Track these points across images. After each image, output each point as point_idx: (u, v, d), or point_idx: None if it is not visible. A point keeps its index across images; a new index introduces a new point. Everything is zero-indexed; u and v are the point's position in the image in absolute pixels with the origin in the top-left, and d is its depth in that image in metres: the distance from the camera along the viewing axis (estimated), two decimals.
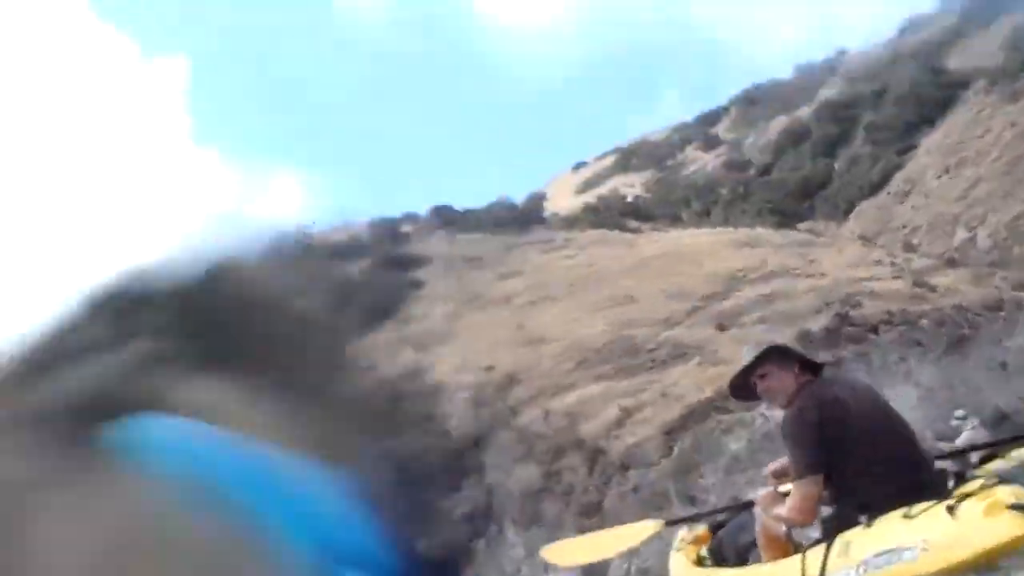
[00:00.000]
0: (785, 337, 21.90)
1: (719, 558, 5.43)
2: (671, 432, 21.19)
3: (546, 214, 58.36)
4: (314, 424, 28.85)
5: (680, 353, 25.34)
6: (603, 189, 75.92)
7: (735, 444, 20.34)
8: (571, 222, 52.71)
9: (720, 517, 6.03)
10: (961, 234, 34.80)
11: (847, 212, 44.59)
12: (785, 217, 44.93)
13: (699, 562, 5.53)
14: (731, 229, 40.46)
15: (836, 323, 22.76)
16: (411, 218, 57.55)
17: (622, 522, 17.84)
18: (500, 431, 25.81)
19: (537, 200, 66.88)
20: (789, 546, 4.63)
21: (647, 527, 5.84)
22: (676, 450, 20.85)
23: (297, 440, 27.76)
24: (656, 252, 37.48)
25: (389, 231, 52.99)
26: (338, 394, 31.56)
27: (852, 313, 23.26)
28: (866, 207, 43.64)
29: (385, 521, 24.76)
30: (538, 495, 22.93)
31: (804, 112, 62.54)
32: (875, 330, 22.46)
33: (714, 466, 20.33)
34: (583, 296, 33.43)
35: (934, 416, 20.77)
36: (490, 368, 29.19)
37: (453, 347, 33.50)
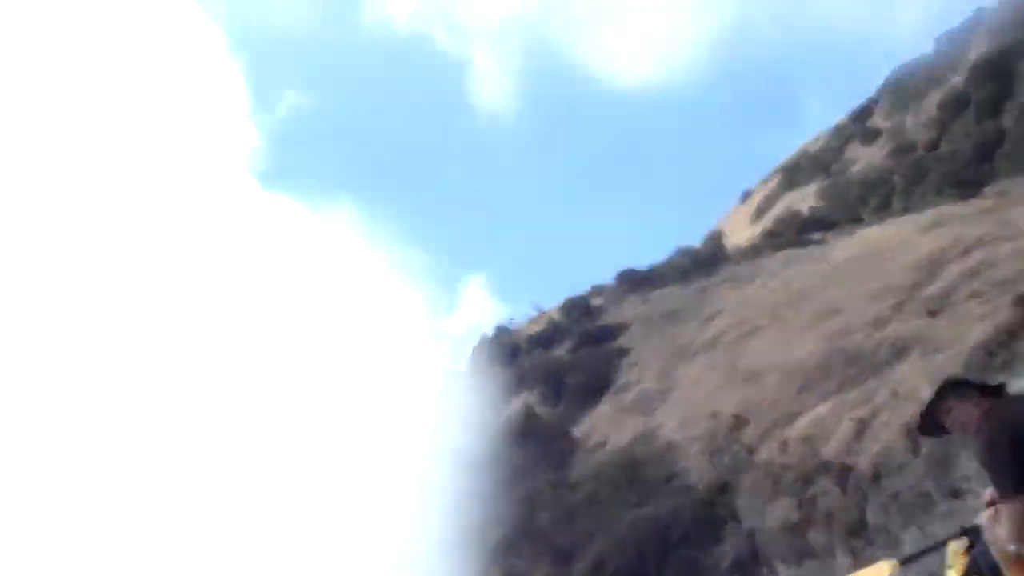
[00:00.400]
0: (1002, 306, 21.51)
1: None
2: (913, 430, 20.94)
3: (729, 250, 58.28)
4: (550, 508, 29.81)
5: (900, 349, 25.03)
6: (777, 210, 75.06)
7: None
8: (756, 251, 52.48)
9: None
10: None
11: None
12: (968, 187, 43.50)
13: None
14: (915, 215, 39.49)
15: None
16: (600, 290, 58.49)
17: (892, 535, 17.83)
18: (743, 473, 26.00)
19: (716, 239, 66.85)
20: None
21: (882, 569, 5.77)
22: (925, 448, 20.59)
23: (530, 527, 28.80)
24: (848, 256, 37.01)
25: (583, 308, 54.07)
26: (572, 476, 32.48)
27: None
28: None
29: None
30: (799, 527, 22.97)
31: (957, 79, 60.52)
32: None
33: (968, 452, 19.97)
34: (788, 319, 33.34)
35: None
36: (715, 414, 29.47)
37: (674, 403, 33.94)
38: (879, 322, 27.22)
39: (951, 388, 4.81)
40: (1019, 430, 4.30)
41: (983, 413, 4.60)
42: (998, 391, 4.70)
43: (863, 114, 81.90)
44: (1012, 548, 4.51)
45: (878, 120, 77.46)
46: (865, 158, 73.22)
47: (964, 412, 4.70)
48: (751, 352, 32.76)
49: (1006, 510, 4.35)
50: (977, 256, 27.47)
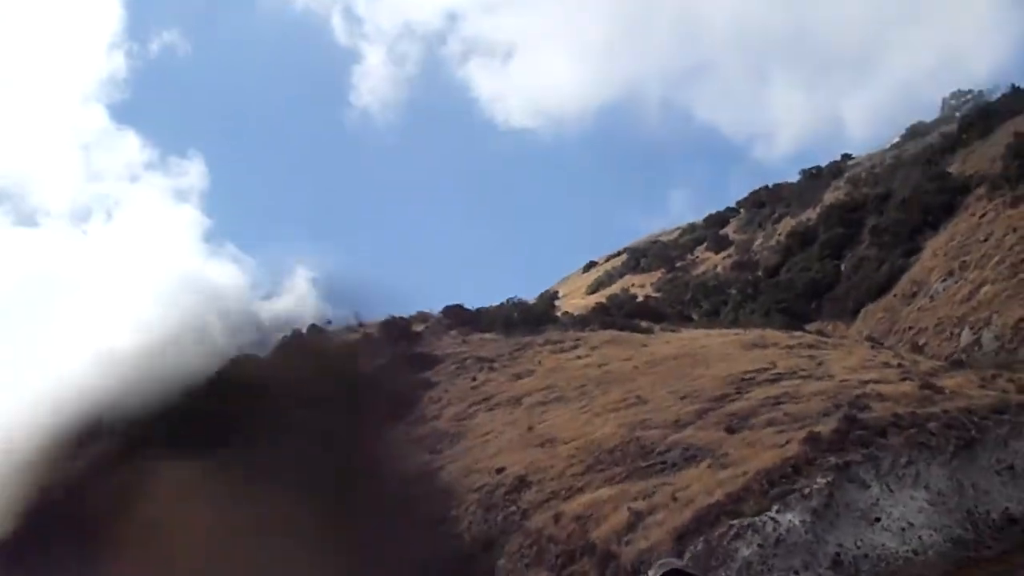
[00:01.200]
0: (794, 440, 22.09)
1: None
2: (683, 536, 21.16)
3: (558, 313, 58.82)
4: (325, 522, 28.88)
5: (691, 455, 25.41)
6: (614, 288, 76.64)
7: (747, 549, 20.34)
8: (583, 322, 53.09)
9: None
10: (967, 336, 35.10)
11: (855, 313, 45.03)
12: (793, 317, 45.35)
13: None
14: (740, 330, 40.76)
15: (845, 426, 22.87)
16: (424, 317, 57.96)
17: None
18: (511, 534, 25.78)
19: (549, 299, 67.50)
20: None
21: None
22: (688, 555, 20.80)
23: (307, 533, 27.83)
24: (667, 353, 37.75)
25: (402, 330, 53.35)
26: (351, 494, 31.60)
27: (861, 416, 23.39)
28: (873, 309, 44.08)
29: None
30: None
31: (811, 215, 63.43)
32: (884, 433, 22.56)
33: (727, 571, 20.31)
34: (594, 397, 33.61)
35: (945, 521, 20.86)
36: (501, 470, 29.24)
37: (464, 448, 33.60)
38: (678, 424, 27.64)
39: (672, 570, 5.10)
40: None
41: None
42: None
43: (720, 222, 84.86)
44: None
45: (731, 231, 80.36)
46: (710, 263, 75.69)
47: None
48: (551, 419, 32.82)
49: None
50: (785, 386, 28.33)
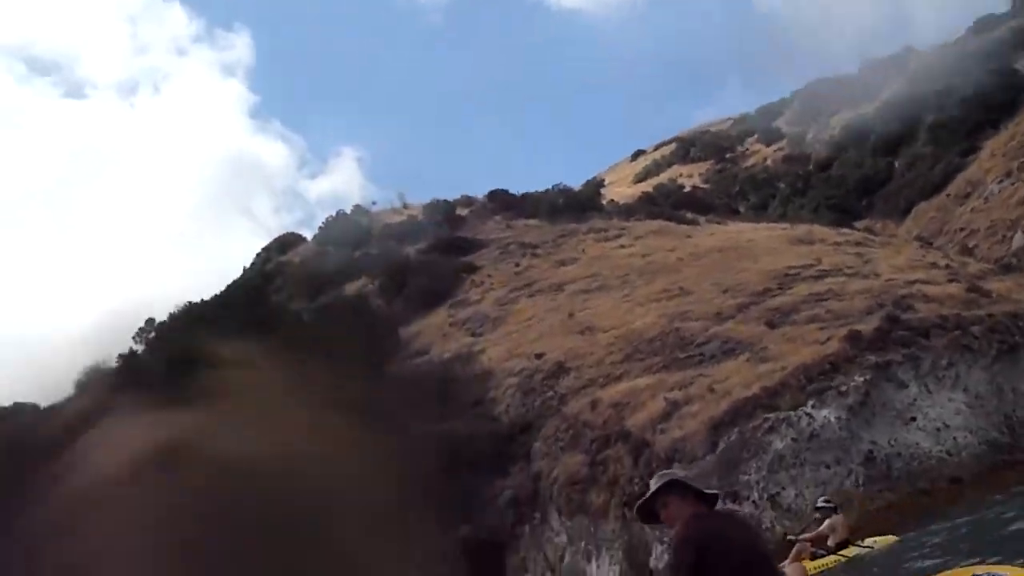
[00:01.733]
0: (835, 338, 22.00)
1: None
2: (717, 427, 21.32)
3: (604, 202, 58.50)
4: (364, 403, 29.53)
5: (730, 348, 25.43)
6: (662, 178, 75.91)
7: (780, 443, 20.47)
8: (628, 211, 52.81)
9: None
10: (1019, 239, 34.42)
11: (905, 212, 44.24)
12: (842, 214, 44.66)
13: None
14: (787, 225, 40.29)
15: (887, 325, 22.67)
16: (469, 202, 57.96)
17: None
18: (548, 419, 26.17)
19: (595, 187, 67.07)
20: None
21: None
22: (721, 446, 21.01)
23: (348, 414, 28.51)
24: (712, 245, 37.50)
25: (446, 214, 53.48)
26: (390, 374, 32.19)
27: (904, 316, 23.16)
28: (924, 208, 43.26)
29: (432, 504, 25.38)
30: (583, 484, 23.27)
31: (867, 109, 61.75)
32: (926, 334, 22.35)
33: (758, 463, 20.49)
34: (636, 286, 33.63)
35: (982, 424, 20.80)
36: (541, 356, 29.54)
37: (505, 333, 33.92)
38: (719, 317, 27.62)
39: (673, 485, 5.47)
40: (710, 541, 5.03)
41: (690, 516, 5.31)
42: (711, 500, 5.48)
43: (773, 113, 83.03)
44: None
45: (784, 123, 78.69)
46: (760, 155, 74.47)
47: (678, 509, 5.38)
48: (592, 307, 32.95)
49: None
50: (829, 283, 28.09)
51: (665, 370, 25.68)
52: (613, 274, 36.21)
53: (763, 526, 19.74)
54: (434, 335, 37.04)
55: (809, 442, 20.35)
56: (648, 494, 5.56)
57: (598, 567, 22.59)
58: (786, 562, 14.34)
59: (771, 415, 20.91)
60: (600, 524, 22.82)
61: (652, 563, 21.23)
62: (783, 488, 20.07)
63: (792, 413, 20.78)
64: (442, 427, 27.01)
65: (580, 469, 23.76)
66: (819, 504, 16.93)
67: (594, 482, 23.29)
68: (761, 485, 20.27)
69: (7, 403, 57.50)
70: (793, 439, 20.43)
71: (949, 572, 6.27)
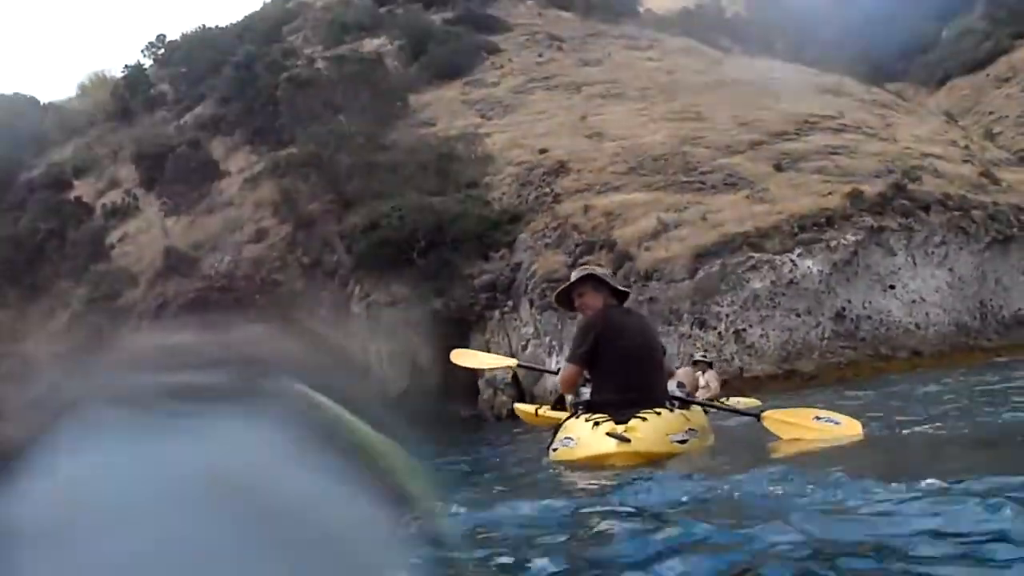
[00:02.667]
0: (838, 193, 21.94)
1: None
2: (701, 256, 21.56)
3: (641, 9, 56.74)
4: (364, 169, 29.54)
5: (732, 182, 25.36)
6: None
7: (758, 283, 20.80)
8: (663, 24, 51.33)
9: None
10: None
11: (941, 83, 43.34)
12: (878, 72, 43.57)
13: None
14: (818, 72, 39.37)
15: (891, 191, 22.62)
16: None
17: None
18: (539, 214, 26.28)
19: None
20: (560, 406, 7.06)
21: (509, 361, 9.79)
22: (700, 273, 21.31)
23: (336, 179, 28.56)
24: (739, 77, 36.68)
25: None
26: (393, 141, 32.01)
27: (910, 186, 23.08)
28: (960, 83, 42.37)
29: (411, 275, 25.79)
30: (558, 282, 23.61)
31: None
32: (927, 208, 22.37)
33: (733, 297, 20.89)
34: (655, 102, 33.11)
35: (957, 306, 21.11)
36: (544, 151, 29.35)
37: (514, 122, 33.57)
38: (729, 150, 27.37)
39: (593, 279, 6.33)
40: (608, 328, 6.09)
41: (604, 307, 6.24)
42: (622, 297, 6.47)
43: None
44: (569, 397, 6.57)
45: None
46: None
47: (592, 300, 6.27)
48: (606, 113, 32.53)
49: (565, 367, 6.42)
50: (846, 138, 27.77)
51: (664, 190, 25.65)
52: (634, 85, 35.53)
53: (723, 358, 20.30)
54: (443, 109, 36.61)
55: (787, 288, 20.68)
56: (568, 283, 6.43)
57: (556, 363, 23.26)
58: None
59: (756, 254, 21.14)
60: (567, 323, 23.31)
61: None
62: (751, 326, 20.54)
63: (777, 257, 21.01)
64: (433, 200, 27.08)
65: (560, 268, 24.03)
66: (696, 358, 16.60)
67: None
68: (730, 319, 20.72)
69: (7, 92, 57.18)
70: (772, 282, 20.75)
71: (793, 409, 6.88)
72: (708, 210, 23.40)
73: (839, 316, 20.49)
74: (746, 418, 7.15)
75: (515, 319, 24.99)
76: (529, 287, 24.24)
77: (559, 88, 36.75)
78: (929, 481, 3.21)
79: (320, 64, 40.20)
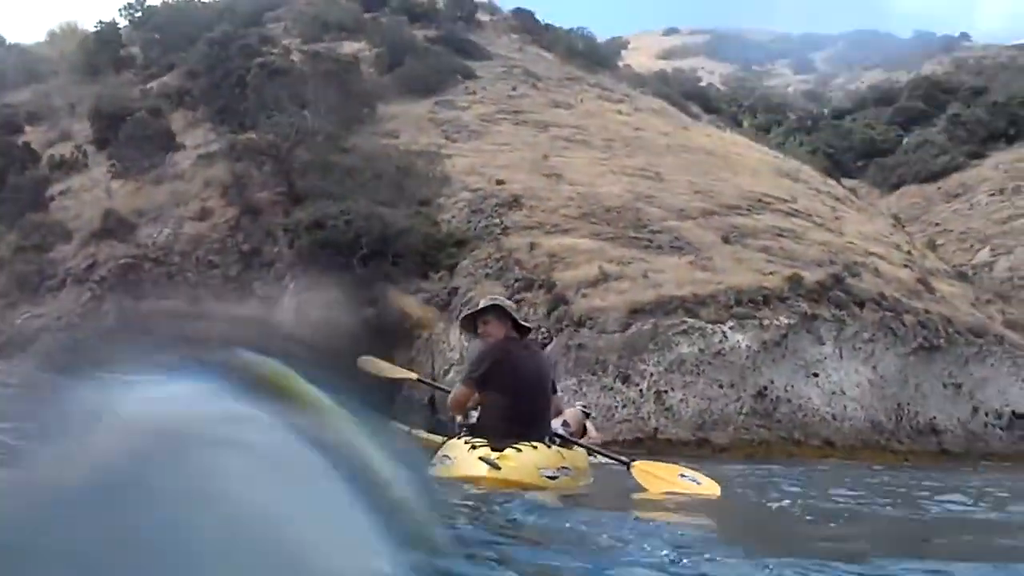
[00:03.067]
0: (778, 275, 22.25)
1: None
2: (635, 311, 21.68)
3: (620, 63, 57.47)
4: (320, 167, 29.32)
5: (679, 246, 25.60)
6: (683, 64, 74.58)
7: (687, 348, 20.96)
8: (638, 81, 52.02)
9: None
10: (984, 255, 34.88)
11: (894, 187, 44.40)
12: (836, 166, 44.57)
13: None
14: (780, 155, 40.13)
15: (830, 281, 22.99)
16: (492, 9, 56.37)
17: (554, 366, 18.66)
18: (485, 242, 26.27)
19: (617, 47, 65.66)
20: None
21: (410, 374, 9.97)
22: (632, 329, 21.42)
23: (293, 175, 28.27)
24: (702, 145, 37.28)
25: (466, 11, 52.01)
26: (354, 145, 31.85)
27: (849, 280, 23.49)
28: (912, 191, 43.43)
29: (347, 280, 25.56)
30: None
31: (902, 76, 61.04)
32: (862, 304, 22.76)
33: (659, 358, 21.01)
34: (617, 155, 33.41)
35: (875, 404, 21.46)
36: (501, 183, 29.41)
37: (476, 149, 33.64)
38: (681, 214, 27.66)
39: (498, 308, 6.73)
40: (503, 358, 6.47)
41: (505, 337, 6.62)
42: (524, 331, 6.88)
43: (816, 43, 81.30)
44: (458, 418, 6.89)
45: (821, 58, 77.30)
46: (784, 79, 73.38)
47: (495, 328, 6.63)
48: (569, 157, 32.70)
49: (457, 388, 6.83)
50: (795, 223, 28.16)
51: (611, 241, 25.81)
52: (600, 134, 35.86)
53: (640, 415, 20.39)
54: (409, 123, 36.55)
55: (714, 358, 20.86)
56: (474, 309, 6.90)
57: None
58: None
59: (689, 320, 21.32)
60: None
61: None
62: (672, 389, 20.67)
63: (709, 326, 21.21)
64: (383, 210, 26.95)
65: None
66: (578, 407, 16.98)
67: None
68: (654, 378, 20.83)
69: None
70: (700, 349, 20.92)
71: (662, 464, 7.31)
72: (650, 268, 23.58)
73: (760, 394, 20.71)
74: (620, 466, 7.32)
75: (443, 342, 24.86)
76: (462, 313, 24.13)
77: (526, 124, 36.94)
78: (739, 548, 3.41)
79: (295, 56, 40.00)
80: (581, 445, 7.39)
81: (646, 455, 18.38)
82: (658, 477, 6.81)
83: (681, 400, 20.53)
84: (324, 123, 31.79)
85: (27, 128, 41.51)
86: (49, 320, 27.97)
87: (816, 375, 21.31)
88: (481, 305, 6.85)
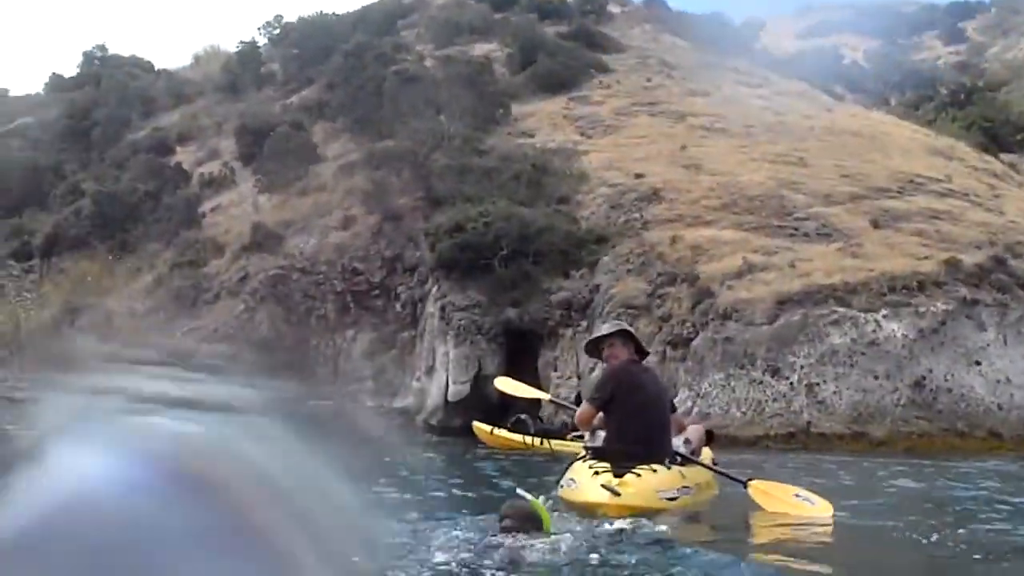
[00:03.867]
0: (934, 259, 21.27)
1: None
2: (783, 302, 21.08)
3: (757, 46, 56.13)
4: (457, 170, 29.61)
5: (826, 233, 24.80)
6: (825, 41, 72.24)
7: (839, 338, 20.24)
8: (777, 64, 50.67)
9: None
10: None
11: None
12: (993, 141, 42.34)
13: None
14: (932, 133, 38.40)
15: (990, 264, 21.80)
16: (623, 1, 55.83)
17: (701, 361, 18.47)
18: (625, 239, 26.03)
19: (754, 28, 64.16)
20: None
21: (543, 394, 10.99)
22: (781, 320, 20.84)
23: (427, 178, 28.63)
24: (848, 126, 36.00)
25: (597, 4, 51.67)
26: (490, 146, 32.05)
27: (1011, 261, 22.24)
28: None
29: (489, 281, 25.72)
30: (636, 311, 23.35)
31: None
32: None
33: (810, 350, 20.37)
34: (758, 142, 32.56)
35: None
36: (639, 176, 29.09)
37: (613, 143, 33.37)
38: (828, 199, 26.79)
39: (622, 334, 7.26)
40: (627, 381, 6.94)
41: (627, 360, 7.12)
42: (644, 354, 7.39)
43: (964, 12, 77.75)
44: (585, 437, 7.49)
45: (971, 27, 73.83)
46: (933, 52, 70.35)
47: (618, 352, 7.16)
48: (708, 147, 32.12)
49: (583, 405, 7.29)
50: (951, 203, 26.91)
51: (755, 231, 25.21)
52: (740, 122, 35.00)
53: (792, 409, 19.82)
54: (544, 121, 36.56)
55: (867, 347, 20.08)
56: (601, 334, 7.41)
57: None
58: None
59: (840, 309, 20.59)
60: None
61: (674, 404, 21.55)
62: (825, 381, 20.00)
63: (862, 315, 20.43)
64: (522, 210, 27.01)
65: (639, 296, 23.81)
66: (702, 427, 16.35)
67: (647, 312, 23.38)
68: (804, 370, 20.21)
69: (125, 54, 58.91)
70: (853, 339, 20.18)
71: (777, 484, 7.39)
72: (797, 257, 22.89)
73: (918, 385, 19.80)
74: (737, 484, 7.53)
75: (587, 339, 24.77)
76: (605, 310, 23.99)
77: (663, 115, 36.42)
78: None
79: (429, 62, 40.54)
80: (699, 463, 7.59)
81: (800, 450, 17.94)
82: (774, 497, 7.01)
83: (834, 392, 19.84)
84: (460, 126, 32.13)
85: (178, 149, 43.45)
86: (207, 333, 29.12)
87: (978, 363, 20.24)
88: (605, 331, 7.40)
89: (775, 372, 20.50)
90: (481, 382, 24.31)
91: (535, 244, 25.91)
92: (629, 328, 7.56)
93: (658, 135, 33.78)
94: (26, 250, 39.19)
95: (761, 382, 20.48)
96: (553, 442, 13.76)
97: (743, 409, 20.50)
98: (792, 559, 5.21)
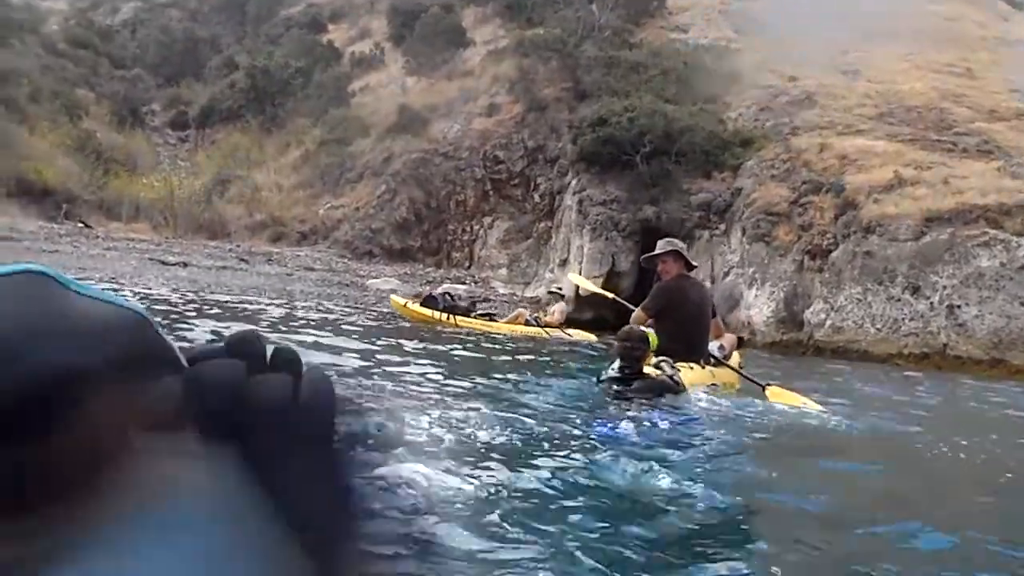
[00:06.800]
0: None
1: None
2: (931, 220, 20.31)
3: None
4: (605, 63, 29.16)
5: (987, 150, 23.62)
6: None
7: (987, 261, 19.44)
8: None
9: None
10: None
11: None
12: None
13: None
14: None
15: None
16: None
17: (839, 274, 18.11)
18: (772, 142, 25.40)
19: None
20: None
21: (608, 294, 11.69)
22: (927, 239, 20.13)
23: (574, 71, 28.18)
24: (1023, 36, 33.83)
25: None
26: (641, 40, 31.44)
27: None
28: None
29: (628, 176, 25.58)
30: (777, 217, 22.94)
31: None
32: None
33: (954, 270, 19.66)
34: (924, 48, 30.99)
35: None
36: (793, 79, 28.17)
37: (768, 43, 32.23)
38: (993, 115, 25.46)
39: (675, 253, 8.05)
40: (677, 293, 7.92)
41: (678, 275, 8.02)
42: (692, 268, 8.22)
43: None
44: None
45: None
46: None
47: (670, 267, 8.02)
48: (869, 51, 30.73)
49: (640, 308, 8.00)
50: None
51: (910, 144, 24.21)
52: (908, 26, 33.28)
53: (929, 330, 19.29)
54: (699, 17, 35.57)
55: (1017, 273, 19.24)
56: (657, 252, 8.11)
57: (755, 296, 22.75)
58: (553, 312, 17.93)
59: (992, 231, 19.71)
60: (775, 260, 22.72)
61: (807, 316, 21.25)
62: (967, 304, 19.33)
63: (1015, 238, 19.53)
64: (667, 107, 26.57)
65: (781, 202, 23.32)
66: (551, 290, 20.66)
67: (788, 219, 22.92)
68: (947, 291, 19.56)
69: None
70: (1002, 263, 19.35)
71: (791, 393, 8.02)
72: (952, 174, 21.91)
73: None
74: (757, 387, 8.25)
75: (723, 244, 24.51)
76: (745, 215, 23.64)
77: (826, 16, 34.86)
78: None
79: None
80: (728, 366, 8.43)
81: (934, 371, 17.51)
82: (784, 397, 7.87)
83: (976, 316, 19.16)
84: (611, 17, 31.54)
85: (330, 26, 43.99)
86: (348, 211, 29.94)
87: None
88: (661, 249, 8.10)
89: (915, 291, 19.91)
90: (613, 277, 24.42)
91: (679, 143, 25.54)
92: (681, 247, 8.30)
93: (818, 37, 32.45)
94: (182, 120, 40.74)
95: (899, 300, 19.94)
96: (458, 318, 16.44)
97: (878, 325, 20.05)
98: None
